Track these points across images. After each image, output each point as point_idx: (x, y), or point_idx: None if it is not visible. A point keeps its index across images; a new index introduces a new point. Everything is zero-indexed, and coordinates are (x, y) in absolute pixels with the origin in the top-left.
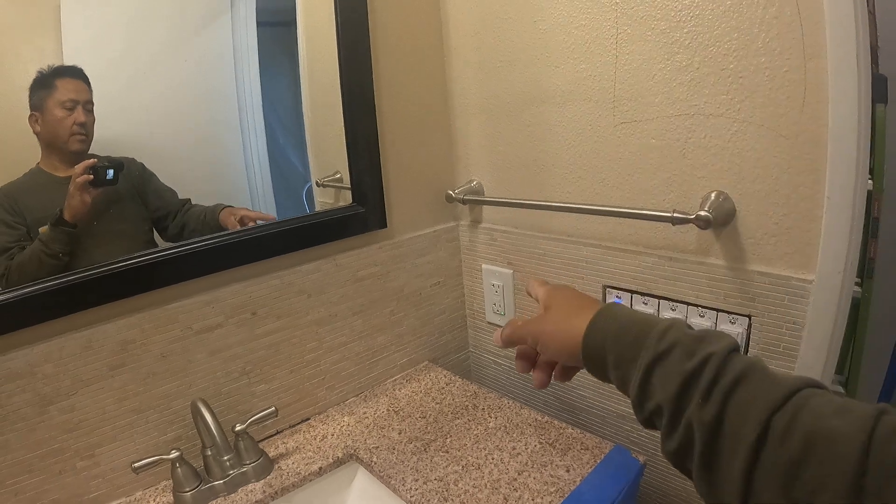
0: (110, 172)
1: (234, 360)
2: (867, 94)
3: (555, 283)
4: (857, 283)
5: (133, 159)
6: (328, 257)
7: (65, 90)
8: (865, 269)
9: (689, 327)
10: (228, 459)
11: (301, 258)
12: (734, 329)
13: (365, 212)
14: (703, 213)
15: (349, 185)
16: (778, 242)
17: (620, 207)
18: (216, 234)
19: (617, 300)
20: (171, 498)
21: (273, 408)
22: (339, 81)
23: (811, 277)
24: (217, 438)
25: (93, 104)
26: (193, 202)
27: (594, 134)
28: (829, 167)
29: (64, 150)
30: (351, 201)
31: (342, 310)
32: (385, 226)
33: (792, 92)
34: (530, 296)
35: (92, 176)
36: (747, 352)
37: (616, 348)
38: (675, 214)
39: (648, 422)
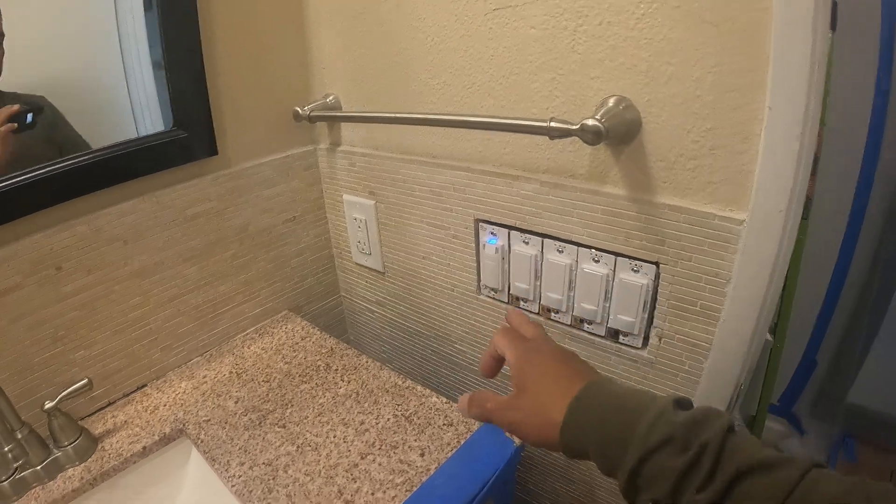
0: (29, 117)
1: (42, 326)
2: None
3: (525, 343)
4: None
5: (43, 97)
6: (146, 194)
7: None
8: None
9: (680, 403)
10: (11, 450)
11: (110, 198)
12: (637, 279)
13: (188, 137)
14: (590, 121)
15: None
16: (698, 167)
17: (490, 117)
18: None
19: (491, 239)
20: None
21: (86, 379)
22: None
23: (742, 216)
24: None
25: (3, 36)
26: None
27: (460, 27)
28: (773, 65)
29: None
30: (171, 125)
31: (170, 257)
32: (216, 153)
33: None
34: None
35: (16, 125)
36: (654, 308)
37: (599, 440)
38: (552, 124)
39: None
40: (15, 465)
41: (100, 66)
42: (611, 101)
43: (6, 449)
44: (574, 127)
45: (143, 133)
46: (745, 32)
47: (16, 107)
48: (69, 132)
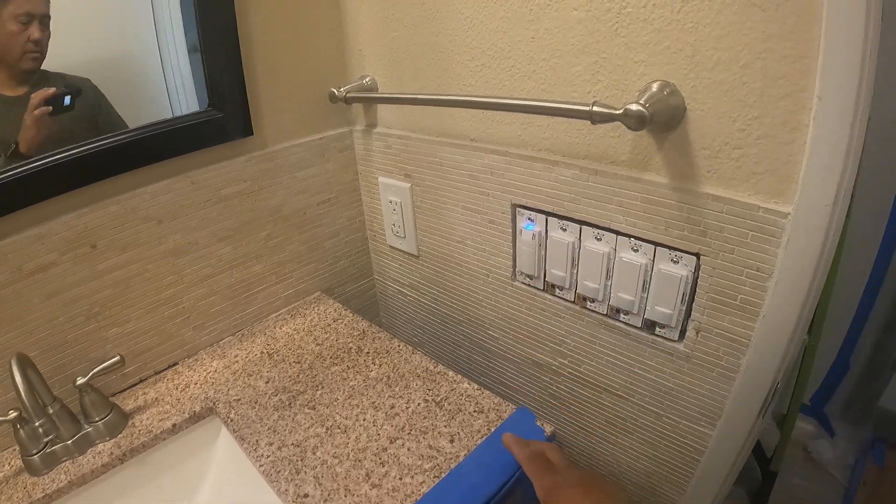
0: (67, 99)
1: (77, 303)
2: None
3: (552, 476)
4: None
5: (88, 80)
6: (180, 174)
7: (20, 1)
8: None
9: None
10: (42, 425)
11: (144, 177)
12: (677, 270)
13: (223, 117)
14: (634, 106)
15: None
16: (743, 157)
17: (530, 101)
18: (27, 161)
19: (528, 225)
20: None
21: (118, 356)
22: None
23: (787, 209)
24: (26, 401)
25: (50, 18)
26: None
27: (501, 8)
28: (823, 52)
29: (15, 67)
30: (207, 105)
31: (204, 236)
32: (251, 133)
33: None
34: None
35: (51, 108)
36: (692, 300)
37: None
38: (594, 108)
39: None
40: (46, 440)
41: (137, 46)
42: (655, 87)
43: (37, 423)
44: (617, 112)
45: (178, 114)
46: (795, 17)
47: (52, 90)
48: (111, 114)
